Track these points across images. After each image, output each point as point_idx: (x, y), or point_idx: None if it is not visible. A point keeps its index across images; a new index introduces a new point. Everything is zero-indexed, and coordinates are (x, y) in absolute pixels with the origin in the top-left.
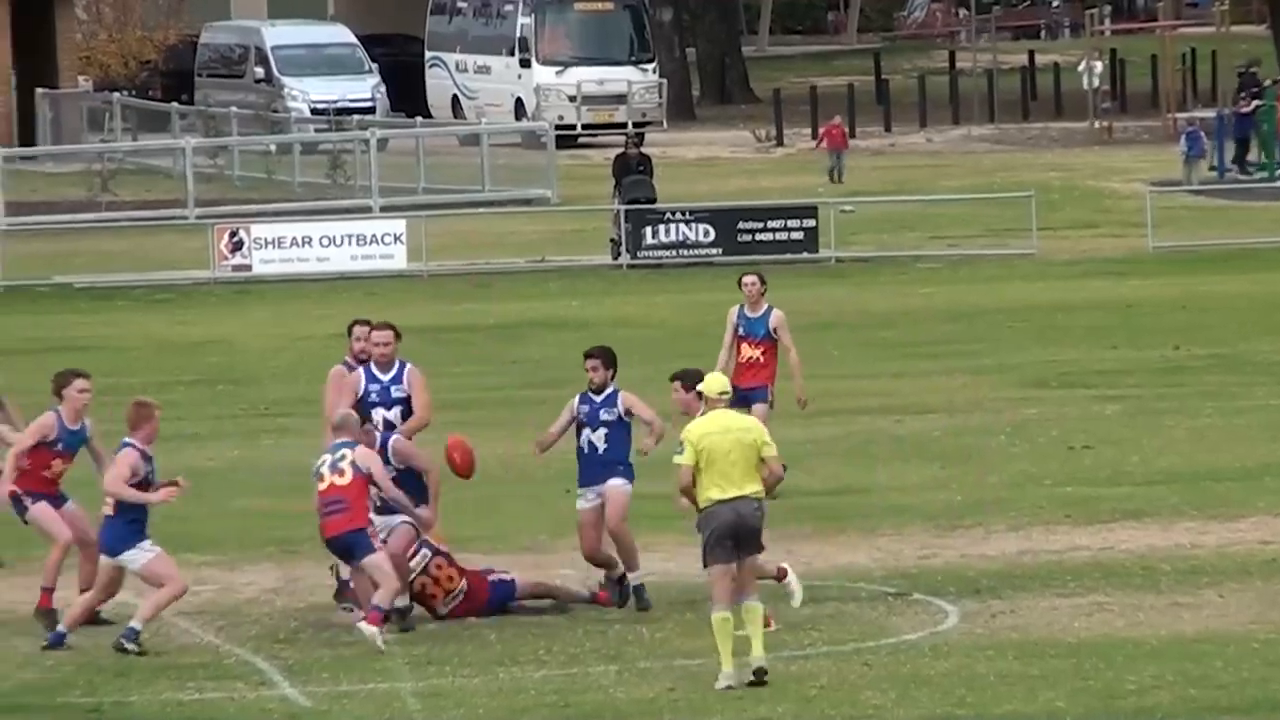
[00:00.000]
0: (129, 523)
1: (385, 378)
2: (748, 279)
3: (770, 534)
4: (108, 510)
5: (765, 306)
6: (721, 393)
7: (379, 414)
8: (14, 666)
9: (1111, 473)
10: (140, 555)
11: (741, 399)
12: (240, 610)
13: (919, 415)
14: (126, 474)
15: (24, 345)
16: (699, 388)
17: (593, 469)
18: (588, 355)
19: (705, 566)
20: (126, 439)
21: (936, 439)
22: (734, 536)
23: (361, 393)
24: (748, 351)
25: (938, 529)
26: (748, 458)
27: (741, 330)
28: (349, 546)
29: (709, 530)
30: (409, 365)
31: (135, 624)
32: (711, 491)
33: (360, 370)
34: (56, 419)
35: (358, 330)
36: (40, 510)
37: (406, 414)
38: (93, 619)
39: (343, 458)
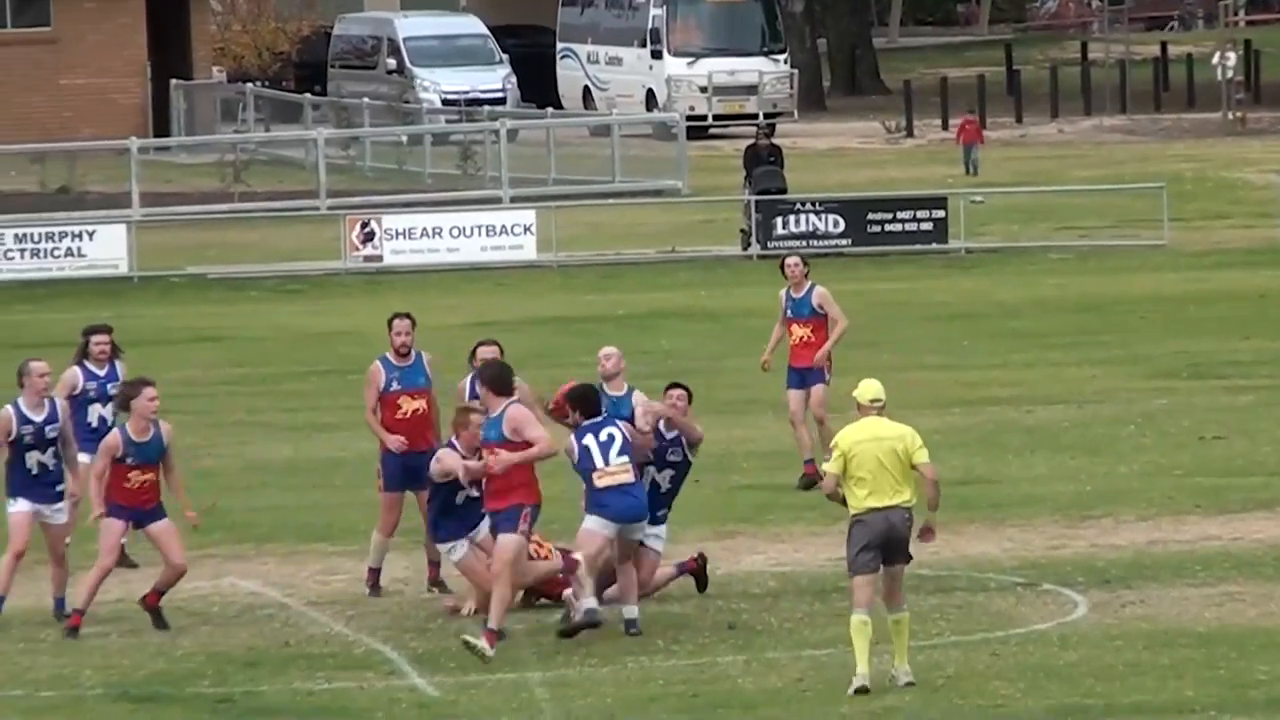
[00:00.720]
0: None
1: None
2: (790, 260)
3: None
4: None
5: (808, 285)
6: (873, 400)
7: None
8: (146, 657)
9: (1243, 463)
10: (454, 551)
11: (800, 380)
12: (369, 600)
13: (1049, 406)
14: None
15: (157, 336)
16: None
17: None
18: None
19: (851, 574)
20: (451, 440)
21: (1066, 429)
22: (883, 546)
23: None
24: (798, 331)
25: (1067, 519)
26: (899, 466)
27: (790, 312)
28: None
29: (859, 538)
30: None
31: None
32: (864, 499)
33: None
34: (120, 436)
35: (397, 324)
36: (105, 525)
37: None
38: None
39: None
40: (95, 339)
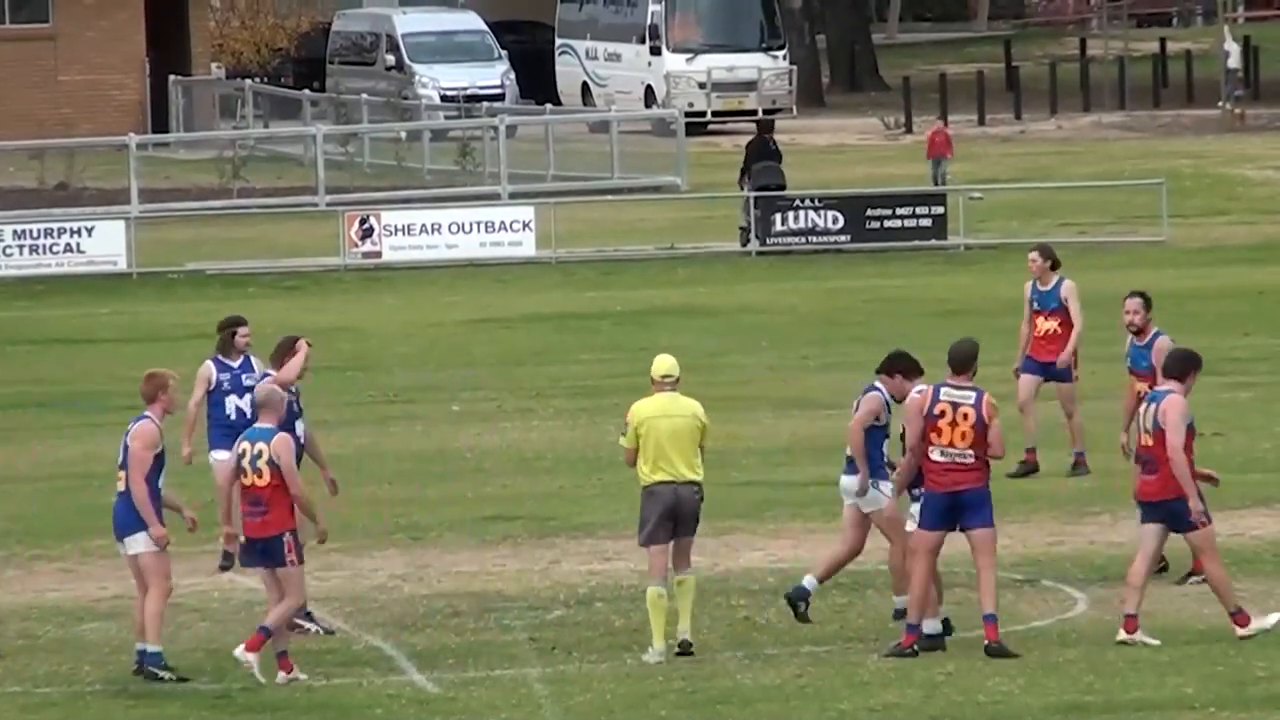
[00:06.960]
0: None
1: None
2: (1032, 254)
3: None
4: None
5: (1055, 278)
6: (664, 375)
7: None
8: None
9: (1243, 460)
10: None
11: (1042, 372)
12: (368, 597)
13: (1047, 402)
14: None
15: (156, 333)
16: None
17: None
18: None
19: (642, 545)
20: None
21: (1065, 426)
22: (674, 518)
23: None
24: (1043, 325)
25: (1066, 516)
26: (690, 441)
27: (1035, 304)
28: None
29: (649, 510)
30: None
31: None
32: (653, 473)
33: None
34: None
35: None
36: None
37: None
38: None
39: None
40: (239, 330)
